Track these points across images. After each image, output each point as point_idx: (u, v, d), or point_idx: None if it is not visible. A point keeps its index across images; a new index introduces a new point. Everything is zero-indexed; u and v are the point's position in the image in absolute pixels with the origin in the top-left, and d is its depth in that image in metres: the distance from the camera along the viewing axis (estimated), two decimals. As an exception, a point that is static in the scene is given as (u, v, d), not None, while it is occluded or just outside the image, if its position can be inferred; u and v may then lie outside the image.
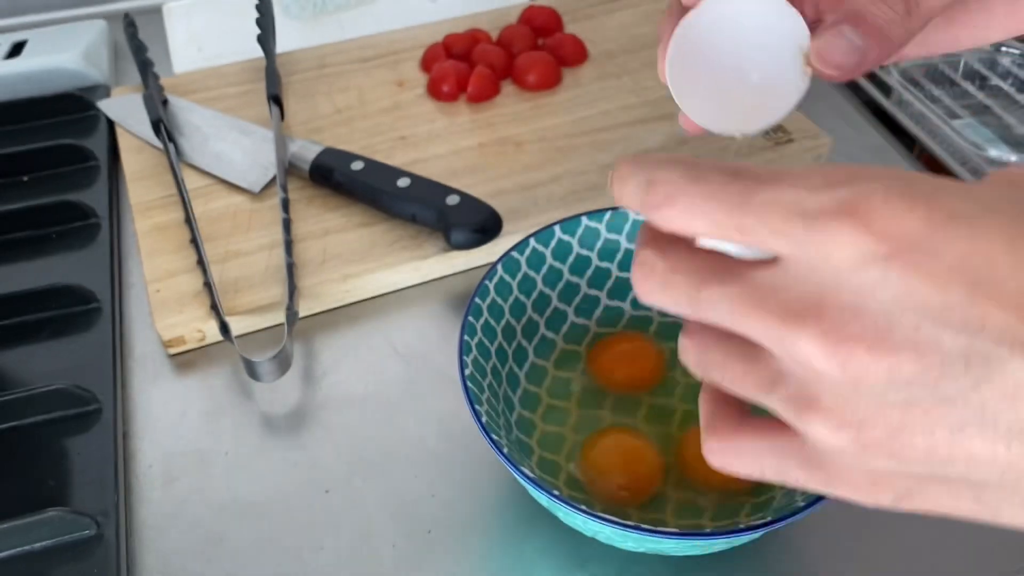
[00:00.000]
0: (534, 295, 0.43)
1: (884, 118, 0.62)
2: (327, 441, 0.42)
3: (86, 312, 0.48)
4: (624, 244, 0.44)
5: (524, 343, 0.42)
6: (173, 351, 0.47)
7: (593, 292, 0.44)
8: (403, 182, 0.51)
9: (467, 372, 0.37)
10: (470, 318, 0.39)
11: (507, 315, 0.41)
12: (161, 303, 0.47)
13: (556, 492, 0.33)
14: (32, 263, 0.51)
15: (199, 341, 0.47)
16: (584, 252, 0.43)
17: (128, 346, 0.48)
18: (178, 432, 0.43)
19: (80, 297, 0.48)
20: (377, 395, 0.44)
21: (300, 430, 0.43)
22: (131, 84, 0.65)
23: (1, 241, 0.52)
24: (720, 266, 0.23)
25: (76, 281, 0.48)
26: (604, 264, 0.44)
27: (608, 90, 0.61)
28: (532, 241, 0.42)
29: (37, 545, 0.38)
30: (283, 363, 0.44)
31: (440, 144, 0.57)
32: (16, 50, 0.65)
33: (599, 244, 0.43)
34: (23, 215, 0.53)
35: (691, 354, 0.25)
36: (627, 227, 0.43)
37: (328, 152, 0.54)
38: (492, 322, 0.40)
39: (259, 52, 0.63)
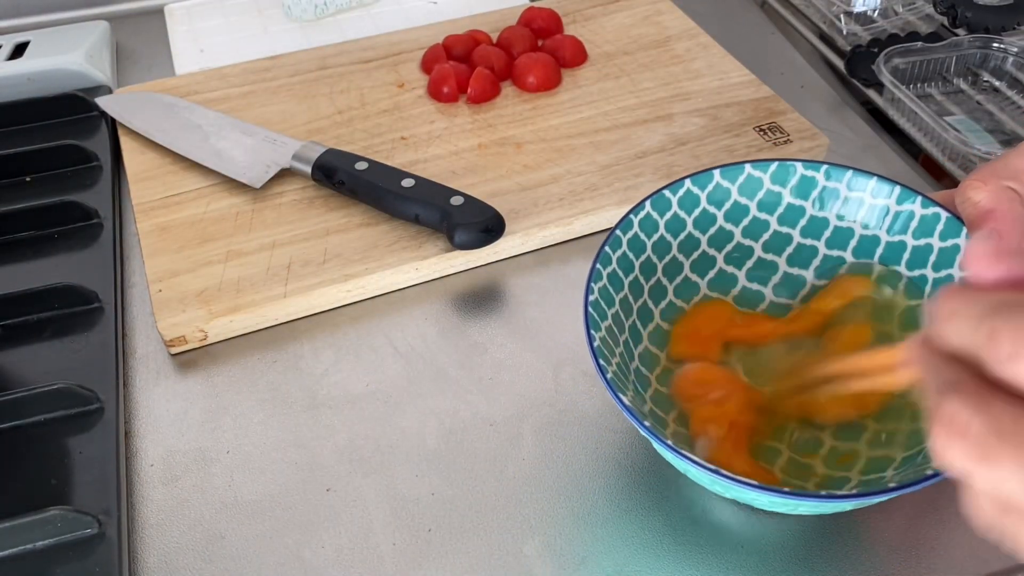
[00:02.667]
0: (681, 236, 0.43)
1: (880, 117, 0.62)
2: (327, 440, 0.43)
3: (88, 312, 0.48)
4: (787, 199, 0.43)
5: (665, 282, 0.43)
6: (175, 351, 0.47)
7: (747, 242, 0.44)
8: (407, 183, 0.51)
9: (591, 298, 0.37)
10: (607, 248, 0.39)
11: (648, 251, 0.41)
12: (163, 303, 0.48)
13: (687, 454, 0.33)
14: (34, 263, 0.52)
15: (201, 341, 0.47)
16: (743, 200, 0.43)
17: (130, 346, 0.48)
18: (180, 431, 0.43)
19: (82, 297, 0.48)
20: (377, 394, 0.45)
21: (301, 429, 0.43)
22: (133, 85, 0.65)
23: (3, 241, 0.53)
24: None
25: (78, 281, 0.48)
26: (763, 215, 0.44)
27: (608, 91, 0.62)
28: (688, 183, 0.42)
29: (39, 544, 0.38)
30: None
31: (440, 145, 0.58)
32: (19, 51, 0.65)
33: (760, 194, 0.43)
34: (25, 215, 0.53)
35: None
36: (793, 181, 0.43)
37: (331, 153, 0.54)
38: (631, 256, 0.41)
39: (261, 53, 0.64)
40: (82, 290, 0.48)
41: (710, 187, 0.43)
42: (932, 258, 0.40)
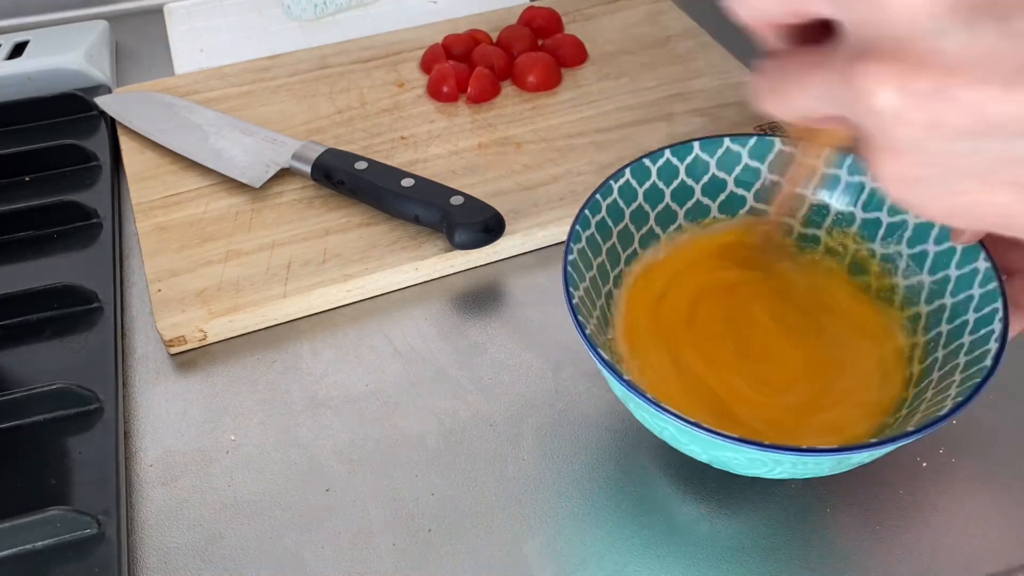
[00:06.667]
0: (659, 207, 0.43)
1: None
2: (327, 440, 0.43)
3: (87, 312, 0.48)
4: (765, 174, 0.43)
5: (640, 250, 0.43)
6: (174, 351, 0.47)
7: (722, 217, 0.44)
8: (407, 182, 0.51)
9: (571, 258, 0.38)
10: (586, 211, 0.40)
11: (626, 220, 0.42)
12: (162, 303, 0.48)
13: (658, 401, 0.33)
14: (34, 263, 0.52)
15: (200, 341, 0.47)
16: (721, 175, 0.44)
17: (129, 346, 0.48)
18: (179, 431, 0.43)
19: (82, 297, 0.48)
20: (377, 394, 0.45)
21: (300, 429, 0.43)
22: (133, 84, 0.65)
23: (3, 241, 0.53)
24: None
25: (78, 281, 0.48)
26: (740, 191, 0.44)
27: (608, 91, 0.62)
28: (667, 153, 0.42)
29: (39, 544, 0.38)
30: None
31: (440, 144, 0.58)
32: (18, 50, 0.65)
33: (738, 169, 0.43)
34: (25, 215, 0.53)
35: (766, 77, 0.28)
36: (771, 156, 0.43)
37: (331, 152, 0.54)
38: (609, 222, 0.41)
39: (261, 53, 0.64)
40: (81, 290, 0.48)
41: (689, 159, 0.43)
42: (907, 234, 0.41)
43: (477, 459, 0.41)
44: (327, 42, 0.68)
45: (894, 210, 0.41)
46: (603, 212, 0.41)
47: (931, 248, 0.40)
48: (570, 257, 0.38)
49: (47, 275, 0.49)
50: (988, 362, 0.34)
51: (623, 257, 0.42)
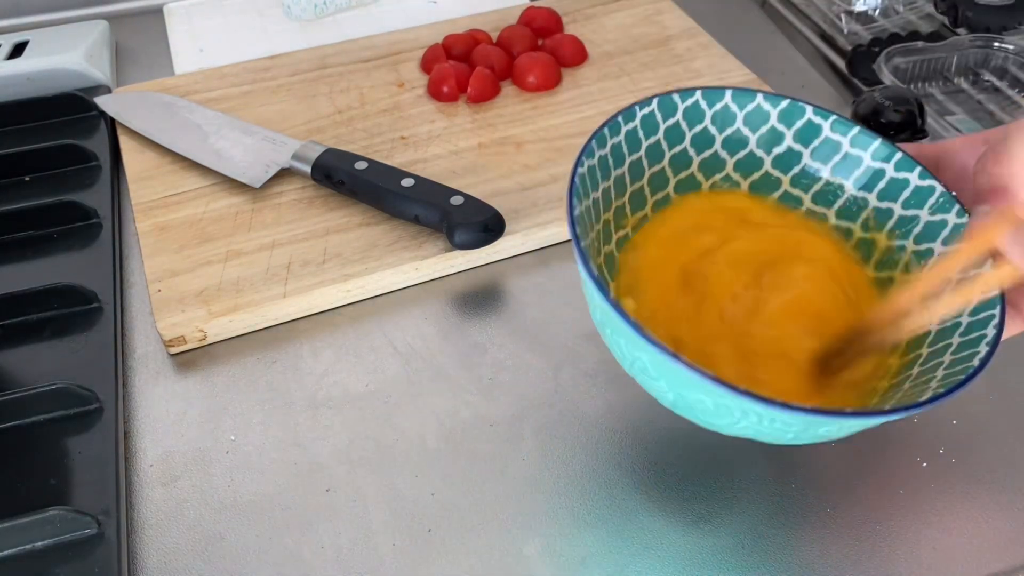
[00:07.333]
0: (677, 149, 0.42)
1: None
2: (327, 440, 0.43)
3: (87, 312, 0.48)
4: (788, 141, 0.43)
5: (647, 192, 0.42)
6: (174, 351, 0.47)
7: (736, 176, 0.43)
8: (407, 182, 0.51)
9: (580, 171, 0.37)
10: (605, 130, 0.39)
11: (642, 152, 0.41)
12: (162, 303, 0.48)
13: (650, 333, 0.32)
14: (34, 263, 0.52)
15: (200, 341, 0.47)
16: (746, 132, 0.43)
17: (129, 346, 0.48)
18: (179, 431, 0.43)
19: (81, 297, 0.48)
20: (377, 394, 0.45)
21: (300, 429, 0.43)
22: (133, 84, 0.65)
23: (3, 241, 0.53)
24: None
25: (78, 281, 0.48)
26: (760, 152, 0.43)
27: (608, 90, 0.62)
28: (699, 94, 0.41)
29: (38, 544, 0.38)
30: None
31: (440, 144, 0.58)
32: (18, 50, 0.65)
33: (763, 129, 0.43)
34: (25, 215, 0.53)
35: None
36: (799, 123, 0.42)
37: (330, 152, 0.54)
38: (624, 148, 0.40)
39: (261, 53, 0.64)
40: (81, 290, 0.48)
41: (719, 105, 0.42)
42: (916, 230, 0.40)
43: (477, 459, 0.41)
44: (327, 42, 0.68)
45: (909, 203, 0.41)
46: (621, 136, 0.40)
47: (937, 247, 0.39)
48: (580, 170, 0.37)
49: (47, 275, 0.49)
50: (976, 362, 0.34)
51: (630, 192, 0.41)
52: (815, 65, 0.67)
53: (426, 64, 0.64)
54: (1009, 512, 0.39)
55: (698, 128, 0.42)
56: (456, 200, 0.50)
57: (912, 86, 0.62)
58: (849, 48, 0.65)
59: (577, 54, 0.64)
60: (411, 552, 0.38)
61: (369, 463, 0.42)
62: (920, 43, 0.62)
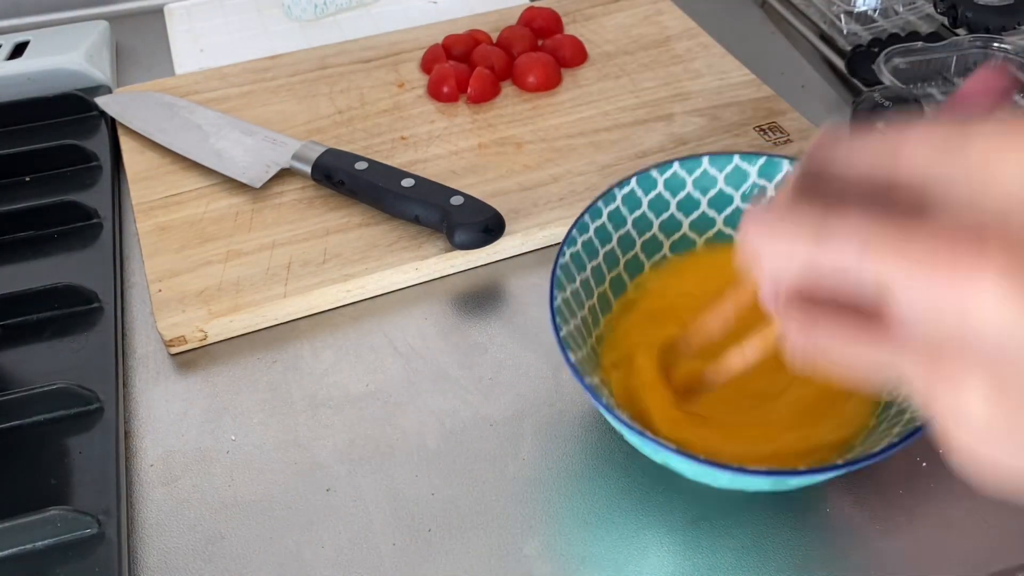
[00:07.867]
0: (663, 216, 0.44)
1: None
2: (327, 440, 0.43)
3: (88, 312, 0.48)
4: (772, 194, 0.43)
5: (643, 258, 0.44)
6: (174, 351, 0.47)
7: (728, 231, 0.45)
8: (407, 183, 0.51)
9: (562, 261, 0.39)
10: (585, 217, 0.41)
11: (629, 226, 0.43)
12: (163, 303, 0.48)
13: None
14: (34, 263, 0.52)
15: (200, 341, 0.47)
16: (728, 190, 0.44)
17: (130, 346, 0.48)
18: (179, 431, 0.43)
19: (82, 297, 0.48)
20: (377, 394, 0.45)
21: (301, 429, 0.43)
22: (133, 84, 0.65)
23: (3, 241, 0.53)
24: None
25: (78, 281, 0.48)
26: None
27: (607, 91, 0.62)
28: (676, 165, 0.43)
29: (39, 544, 0.38)
30: None
31: (440, 145, 0.58)
32: (19, 51, 0.65)
33: (745, 186, 0.44)
34: (25, 215, 0.53)
35: (793, 328, 0.23)
36: (779, 176, 0.43)
37: (331, 153, 0.54)
38: (609, 228, 0.42)
39: (261, 53, 0.64)
40: (82, 290, 0.48)
41: (697, 172, 0.44)
42: None
43: (477, 459, 0.41)
44: (327, 42, 0.68)
45: None
46: (604, 218, 0.42)
47: None
48: (561, 260, 0.39)
49: (47, 275, 0.49)
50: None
51: (622, 262, 0.43)
52: (815, 65, 0.67)
53: (426, 64, 0.64)
54: (1009, 512, 0.39)
55: (682, 195, 0.44)
56: (456, 200, 0.50)
57: (912, 86, 0.62)
58: (849, 48, 0.65)
59: (577, 54, 0.64)
60: (411, 552, 0.38)
61: (369, 463, 0.42)
62: (920, 43, 0.62)
